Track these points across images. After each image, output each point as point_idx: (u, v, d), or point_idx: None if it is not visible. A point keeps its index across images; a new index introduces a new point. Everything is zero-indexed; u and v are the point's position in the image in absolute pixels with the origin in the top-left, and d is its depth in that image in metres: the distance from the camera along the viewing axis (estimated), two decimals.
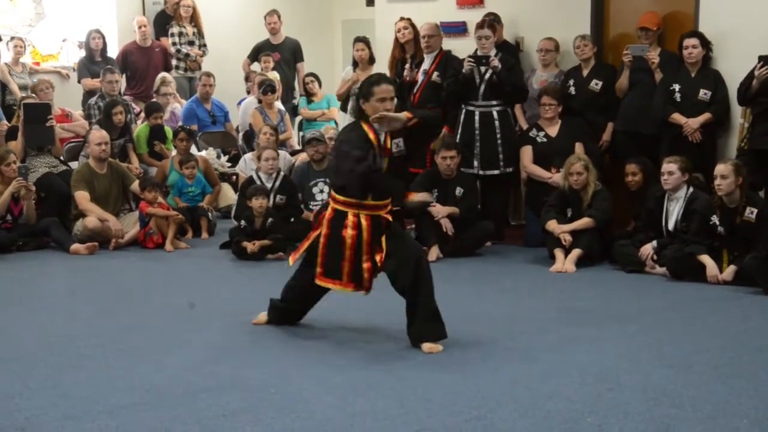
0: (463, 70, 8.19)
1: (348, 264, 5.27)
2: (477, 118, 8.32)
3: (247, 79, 11.66)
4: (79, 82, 11.24)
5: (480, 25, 8.28)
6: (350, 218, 5.23)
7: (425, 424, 4.06)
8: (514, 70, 8.31)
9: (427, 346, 5.15)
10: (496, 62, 8.12)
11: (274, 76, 11.22)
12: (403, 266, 5.19)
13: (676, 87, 7.76)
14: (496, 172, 8.35)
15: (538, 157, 8.32)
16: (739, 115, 7.68)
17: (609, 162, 8.44)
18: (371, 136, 5.21)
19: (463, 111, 8.39)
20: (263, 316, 5.75)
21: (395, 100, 5.31)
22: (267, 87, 10.52)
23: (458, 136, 8.34)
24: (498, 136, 8.31)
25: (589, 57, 8.35)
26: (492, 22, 8.40)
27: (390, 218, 5.32)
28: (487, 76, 8.23)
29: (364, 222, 5.22)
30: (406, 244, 5.34)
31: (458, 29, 9.18)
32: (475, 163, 8.31)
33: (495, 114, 8.30)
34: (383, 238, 5.25)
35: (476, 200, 8.18)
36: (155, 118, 10.02)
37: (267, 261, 7.89)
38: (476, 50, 8.32)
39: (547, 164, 8.27)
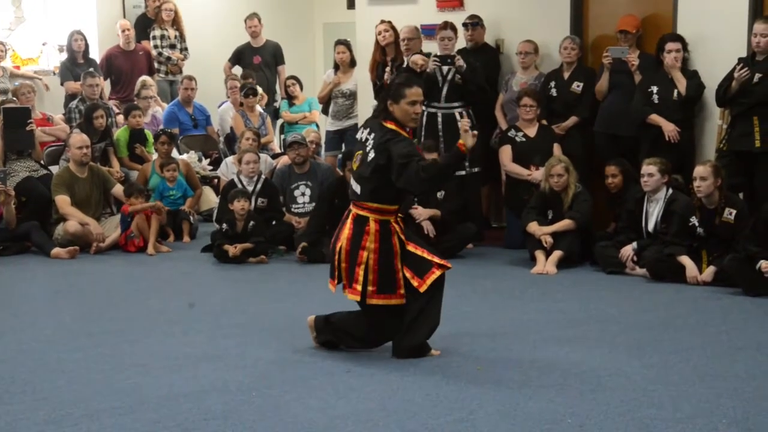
0: (427, 70, 8.21)
1: (400, 274, 5.02)
2: (440, 119, 8.34)
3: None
4: (62, 84, 11.16)
5: (443, 27, 8.33)
6: (394, 225, 5.03)
7: (407, 427, 4.07)
8: (477, 71, 8.34)
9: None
10: (461, 61, 8.16)
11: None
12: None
13: (654, 89, 7.80)
14: (463, 172, 8.32)
15: (518, 157, 8.34)
16: (717, 117, 7.73)
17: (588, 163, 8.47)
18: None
19: (425, 113, 8.37)
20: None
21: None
22: (248, 90, 10.52)
23: (421, 138, 8.33)
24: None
25: (574, 60, 8.38)
26: (455, 24, 8.41)
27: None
28: (450, 76, 8.26)
29: (397, 227, 5.05)
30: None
31: None
32: None
33: (457, 115, 8.28)
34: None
35: (458, 203, 8.18)
36: (134, 117, 9.98)
37: (249, 264, 7.88)
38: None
39: (526, 163, 8.30)
